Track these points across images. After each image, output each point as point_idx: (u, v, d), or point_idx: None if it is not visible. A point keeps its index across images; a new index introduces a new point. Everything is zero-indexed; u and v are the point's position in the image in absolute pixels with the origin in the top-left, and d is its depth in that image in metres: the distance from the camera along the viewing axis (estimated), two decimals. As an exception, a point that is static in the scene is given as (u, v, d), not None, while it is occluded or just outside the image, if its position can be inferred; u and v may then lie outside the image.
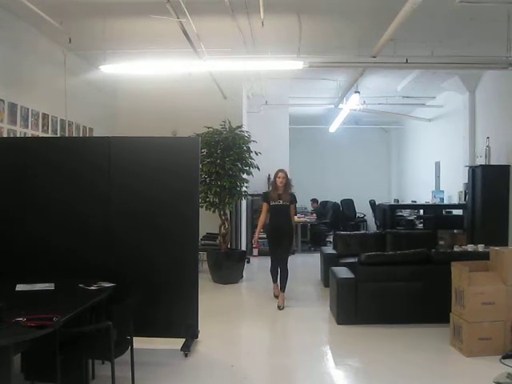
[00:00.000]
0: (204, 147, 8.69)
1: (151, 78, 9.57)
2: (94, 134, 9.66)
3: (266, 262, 11.72)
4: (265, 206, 7.59)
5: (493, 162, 9.27)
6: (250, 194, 11.13)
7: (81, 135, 9.12)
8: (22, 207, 5.20)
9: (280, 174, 7.50)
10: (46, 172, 5.23)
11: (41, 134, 7.67)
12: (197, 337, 5.46)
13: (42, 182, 5.22)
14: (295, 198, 7.69)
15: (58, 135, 8.22)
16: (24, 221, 5.19)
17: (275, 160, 10.59)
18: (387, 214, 11.49)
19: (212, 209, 9.03)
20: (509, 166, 8.76)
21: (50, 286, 4.37)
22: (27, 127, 7.36)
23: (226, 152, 8.84)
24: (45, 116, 7.87)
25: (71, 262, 5.00)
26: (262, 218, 7.63)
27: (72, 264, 4.97)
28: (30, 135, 7.35)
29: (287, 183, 7.52)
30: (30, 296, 4.18)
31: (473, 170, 9.49)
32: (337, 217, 16.14)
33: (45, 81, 7.96)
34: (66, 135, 8.49)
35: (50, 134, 7.96)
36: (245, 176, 9.28)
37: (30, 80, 7.54)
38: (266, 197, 7.66)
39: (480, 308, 5.29)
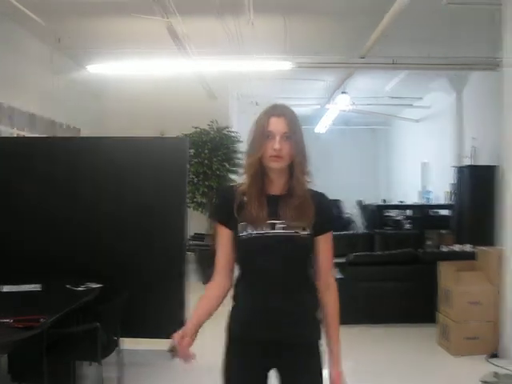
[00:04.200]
0: (191, 147, 8.67)
1: (139, 78, 9.53)
2: (81, 134, 9.59)
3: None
4: (222, 245, 2.33)
5: (479, 163, 9.31)
6: (238, 195, 11.13)
7: (68, 135, 9.06)
8: (7, 208, 5.16)
9: (274, 124, 2.13)
10: (31, 173, 5.19)
11: (27, 134, 7.61)
12: (185, 337, 5.43)
13: (27, 183, 5.18)
14: (331, 211, 2.56)
15: (45, 135, 8.16)
16: (9, 222, 5.15)
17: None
18: (375, 214, 11.54)
19: (200, 209, 9.02)
20: (495, 166, 8.79)
21: (36, 287, 4.34)
22: (14, 127, 7.30)
23: (213, 152, 8.84)
24: (32, 116, 7.81)
25: (57, 263, 4.95)
26: (209, 294, 2.45)
27: (58, 265, 4.93)
28: (16, 135, 7.29)
29: (299, 154, 2.17)
30: (17, 297, 4.15)
31: (460, 170, 9.53)
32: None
33: (31, 80, 7.89)
34: (53, 135, 8.43)
35: (36, 134, 7.89)
36: (232, 176, 9.27)
37: (17, 79, 7.48)
38: (218, 211, 2.36)
39: (467, 308, 5.33)
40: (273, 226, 2.13)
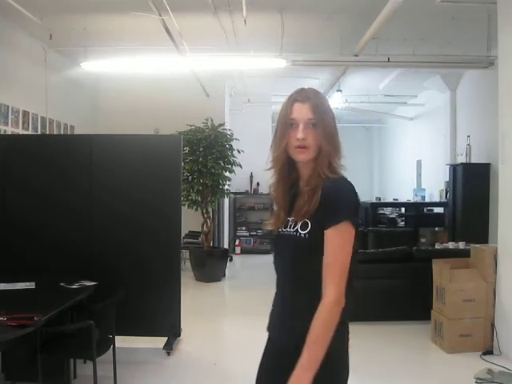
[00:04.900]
0: (186, 145, 8.66)
1: (133, 76, 9.51)
2: (76, 132, 9.59)
3: (249, 260, 11.80)
4: None
5: (473, 161, 9.34)
6: (232, 193, 11.15)
7: (62, 133, 9.05)
8: (1, 205, 5.16)
9: (298, 110, 1.92)
10: (24, 171, 5.19)
11: (21, 132, 7.58)
12: (179, 335, 5.44)
13: (21, 181, 5.19)
14: (335, 203, 1.86)
15: (39, 133, 8.14)
16: (3, 220, 5.14)
17: (257, 158, 10.53)
18: (369, 212, 11.54)
19: (194, 207, 9.01)
20: (489, 164, 8.84)
21: (30, 285, 4.32)
22: (7, 125, 7.27)
23: (208, 150, 8.83)
24: (25, 113, 7.78)
25: (51, 261, 4.96)
26: None
27: (52, 263, 4.93)
28: (10, 133, 7.27)
29: (327, 143, 1.92)
30: (11, 295, 4.13)
31: (454, 168, 9.56)
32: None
33: (25, 77, 7.86)
34: (47, 133, 8.41)
35: (30, 132, 7.87)
36: (227, 174, 9.27)
37: (10, 77, 7.45)
38: None
39: (460, 305, 5.35)
40: (286, 224, 1.97)
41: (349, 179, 1.96)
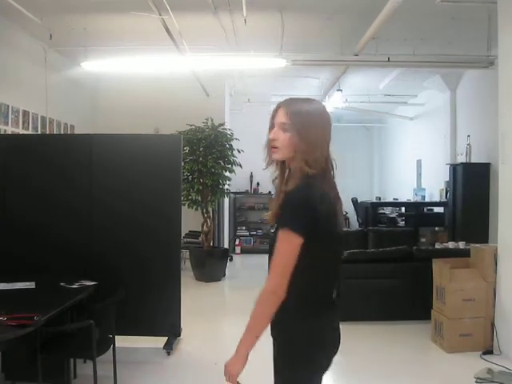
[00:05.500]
0: (186, 145, 8.66)
1: (133, 76, 9.51)
2: (76, 132, 9.59)
3: (249, 259, 11.80)
4: None
5: (473, 160, 9.34)
6: (232, 192, 11.15)
7: (62, 133, 9.04)
8: (1, 205, 5.15)
9: (278, 115, 2.13)
10: (27, 170, 5.19)
11: (21, 132, 7.59)
12: (179, 335, 5.44)
13: (21, 181, 5.18)
14: (284, 210, 2.04)
15: (39, 132, 8.14)
16: (3, 220, 5.14)
17: (257, 158, 10.52)
18: (369, 211, 11.55)
19: (194, 207, 9.02)
20: (489, 163, 8.84)
21: (30, 285, 4.32)
22: (7, 124, 7.27)
23: (208, 150, 8.83)
24: (25, 113, 7.78)
25: (52, 261, 4.96)
26: None
27: (52, 263, 4.93)
28: (10, 133, 7.27)
29: (299, 148, 2.06)
30: (11, 295, 4.13)
31: (454, 167, 9.56)
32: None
33: (25, 77, 7.86)
34: (47, 133, 8.41)
35: (30, 132, 7.87)
36: (227, 174, 9.27)
37: (10, 76, 7.45)
38: None
39: (461, 304, 5.35)
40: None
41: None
